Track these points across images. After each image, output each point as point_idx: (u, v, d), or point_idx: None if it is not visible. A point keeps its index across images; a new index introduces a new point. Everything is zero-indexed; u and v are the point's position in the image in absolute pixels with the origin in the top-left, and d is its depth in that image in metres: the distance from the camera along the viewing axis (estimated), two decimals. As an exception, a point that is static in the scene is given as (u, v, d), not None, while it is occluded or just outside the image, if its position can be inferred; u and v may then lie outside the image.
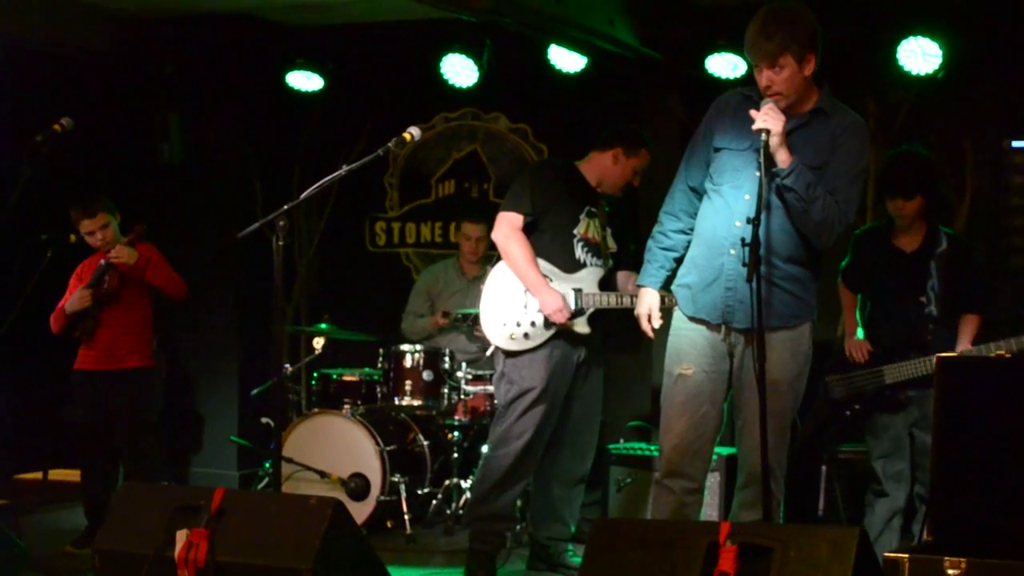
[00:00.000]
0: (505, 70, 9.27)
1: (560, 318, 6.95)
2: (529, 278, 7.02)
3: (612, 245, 7.23)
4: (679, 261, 6.09)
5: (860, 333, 7.43)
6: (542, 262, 7.09)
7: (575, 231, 7.14)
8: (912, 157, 7.32)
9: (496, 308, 7.15)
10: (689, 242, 6.04)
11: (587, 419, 7.28)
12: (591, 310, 7.10)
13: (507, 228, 7.10)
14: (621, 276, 7.28)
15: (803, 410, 6.25)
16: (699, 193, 5.97)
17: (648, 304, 6.16)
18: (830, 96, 5.77)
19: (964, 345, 7.04)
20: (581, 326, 7.09)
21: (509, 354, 7.12)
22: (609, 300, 7.09)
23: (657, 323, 6.16)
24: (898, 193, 7.12)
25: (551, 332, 7.07)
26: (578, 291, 7.09)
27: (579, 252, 7.13)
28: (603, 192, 7.30)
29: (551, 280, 7.05)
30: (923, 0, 8.17)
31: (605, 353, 7.37)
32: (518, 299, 7.09)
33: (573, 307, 7.04)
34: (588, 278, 7.12)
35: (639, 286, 6.22)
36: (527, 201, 7.12)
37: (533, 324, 7.07)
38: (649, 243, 6.21)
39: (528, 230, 7.08)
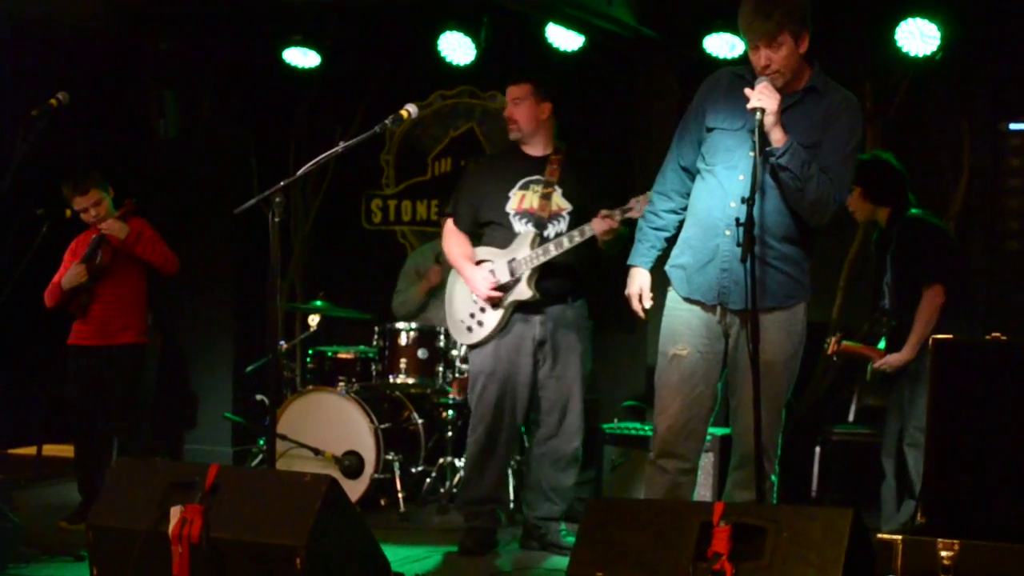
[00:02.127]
0: (503, 48, 9.26)
1: (483, 289, 7.11)
2: (459, 268, 7.27)
3: (560, 204, 7.11)
4: (670, 241, 6.08)
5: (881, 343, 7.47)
6: (485, 249, 7.23)
7: (507, 208, 7.16)
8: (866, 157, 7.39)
9: (452, 310, 7.38)
10: (681, 222, 6.02)
11: (564, 399, 7.23)
12: (526, 272, 7.08)
13: (443, 232, 7.49)
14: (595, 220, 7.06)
15: (798, 390, 6.26)
16: (691, 172, 5.95)
17: (639, 284, 6.14)
18: (822, 74, 5.75)
19: (919, 323, 7.00)
20: (522, 292, 7.12)
21: (471, 347, 7.34)
22: (544, 252, 7.06)
23: (648, 303, 6.15)
24: None
25: (500, 312, 7.16)
26: (511, 260, 7.14)
27: (517, 225, 7.15)
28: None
29: (490, 262, 7.17)
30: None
31: (588, 330, 7.28)
32: (467, 294, 7.25)
33: (505, 277, 7.10)
34: (521, 243, 7.13)
35: (629, 266, 6.21)
36: (451, 204, 7.46)
37: (483, 310, 7.21)
38: (640, 222, 6.20)
39: (478, 230, 7.28)
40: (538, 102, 7.25)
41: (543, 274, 7.12)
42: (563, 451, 7.25)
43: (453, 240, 7.37)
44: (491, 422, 7.23)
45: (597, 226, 6.80)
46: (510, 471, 7.67)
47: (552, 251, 7.04)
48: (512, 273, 7.13)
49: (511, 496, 7.64)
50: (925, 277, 7.04)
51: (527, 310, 7.19)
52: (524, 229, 7.13)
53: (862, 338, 7.66)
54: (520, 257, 7.13)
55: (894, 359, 7.07)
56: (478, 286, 7.15)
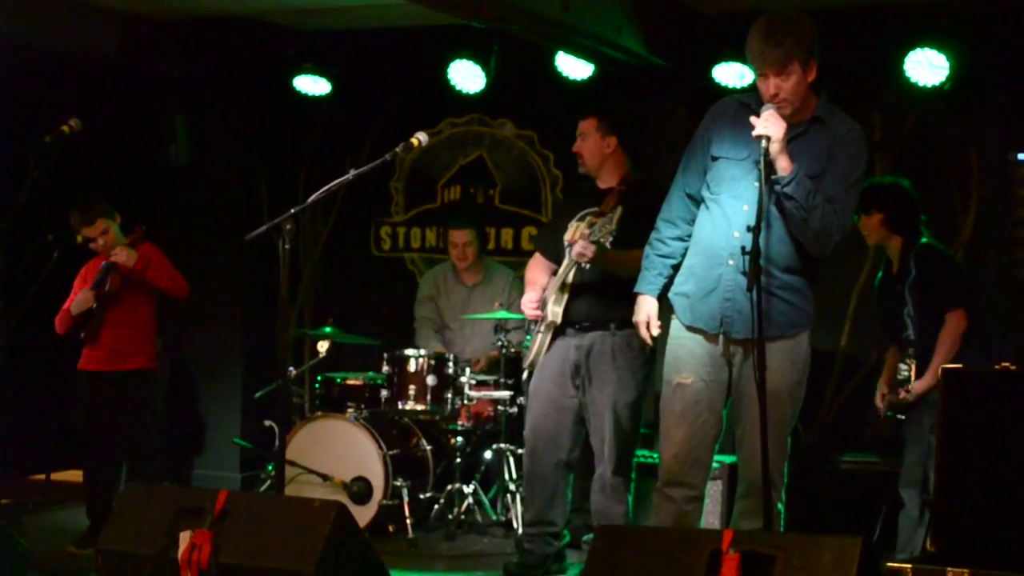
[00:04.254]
0: (512, 77, 9.29)
1: (526, 310, 7.36)
2: None
3: (600, 235, 7.14)
4: (677, 268, 6.09)
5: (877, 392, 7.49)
6: (554, 278, 7.36)
7: (564, 239, 7.20)
8: (877, 182, 7.48)
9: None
10: (687, 249, 6.04)
11: (599, 426, 7.23)
12: (552, 296, 7.21)
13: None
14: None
15: (805, 418, 6.26)
16: (696, 200, 5.96)
17: (646, 311, 6.16)
18: (828, 104, 5.77)
19: (941, 347, 7.02)
20: (547, 315, 7.24)
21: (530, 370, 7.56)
22: (560, 278, 7.20)
23: (656, 331, 6.17)
24: (859, 211, 7.22)
25: (539, 336, 7.31)
26: (546, 288, 7.36)
27: (567, 256, 7.21)
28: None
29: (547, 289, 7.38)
30: (931, 12, 8.17)
31: (632, 359, 7.22)
32: None
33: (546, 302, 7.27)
34: (559, 272, 7.25)
35: (636, 293, 6.23)
36: (538, 241, 7.90)
37: (531, 333, 7.46)
38: (646, 250, 6.22)
39: None
40: (603, 136, 7.32)
41: (576, 298, 7.19)
42: (604, 477, 7.25)
43: (530, 265, 7.65)
44: (531, 442, 7.37)
45: (574, 255, 6.96)
46: (567, 494, 7.53)
47: (565, 277, 7.11)
48: (546, 298, 7.26)
49: (564, 523, 7.58)
50: (948, 302, 7.09)
51: (569, 336, 7.26)
52: (569, 259, 7.19)
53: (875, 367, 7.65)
54: (552, 283, 7.27)
55: (918, 386, 7.08)
56: (522, 306, 7.41)
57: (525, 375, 7.66)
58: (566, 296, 7.21)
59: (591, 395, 7.24)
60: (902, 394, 7.17)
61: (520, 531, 7.81)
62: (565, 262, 7.18)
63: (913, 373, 7.09)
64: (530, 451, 7.40)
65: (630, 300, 6.95)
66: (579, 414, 7.32)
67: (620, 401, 7.18)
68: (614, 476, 7.21)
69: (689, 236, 6.02)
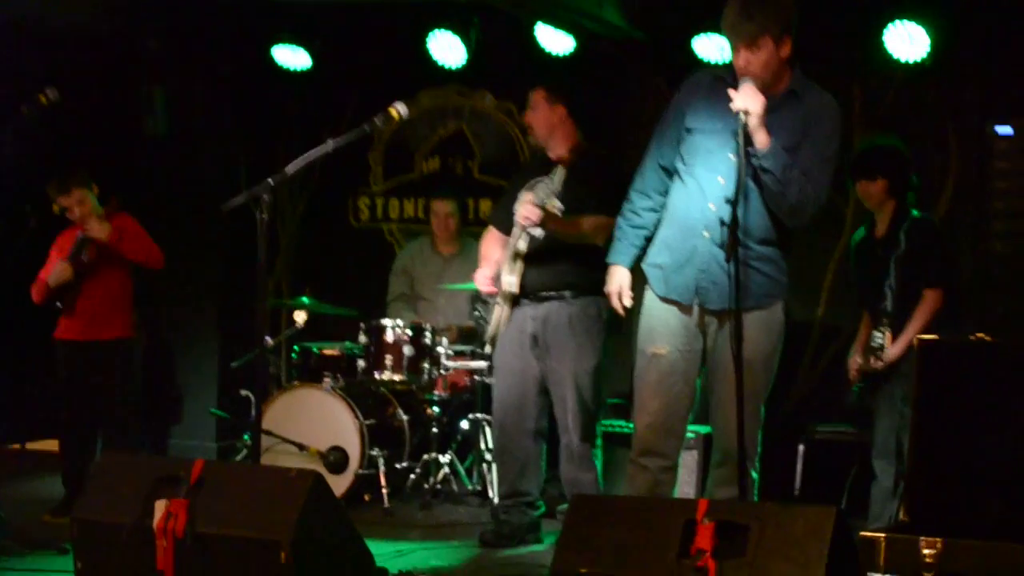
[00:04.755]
0: (492, 49, 9.28)
1: (480, 285, 7.43)
2: None
3: (552, 204, 7.12)
4: (649, 239, 6.10)
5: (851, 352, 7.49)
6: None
7: (515, 209, 7.23)
8: (880, 144, 7.47)
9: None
10: (659, 220, 6.04)
11: (561, 395, 7.27)
12: (506, 266, 7.23)
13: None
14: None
15: (781, 388, 6.28)
16: (670, 172, 5.97)
17: (618, 282, 6.18)
18: (802, 77, 5.78)
19: (915, 321, 7.04)
20: (502, 285, 7.27)
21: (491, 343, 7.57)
22: (513, 247, 7.21)
23: (628, 301, 6.18)
24: (861, 175, 7.27)
25: (496, 308, 7.35)
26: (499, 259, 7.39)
27: (517, 227, 7.25)
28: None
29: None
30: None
31: (590, 327, 7.26)
32: None
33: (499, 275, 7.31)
34: (510, 240, 7.27)
35: (608, 263, 6.24)
36: (491, 215, 7.93)
37: (487, 307, 7.46)
38: (619, 220, 6.22)
39: None
40: (551, 105, 7.34)
41: (529, 267, 7.21)
42: (570, 447, 7.29)
43: (484, 239, 7.68)
44: (499, 415, 7.44)
45: (519, 218, 7.04)
46: (540, 464, 7.55)
47: (517, 246, 7.14)
48: (499, 270, 7.27)
49: (539, 492, 7.61)
50: (930, 280, 7.10)
51: (525, 306, 7.28)
52: (515, 228, 7.20)
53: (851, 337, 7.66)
54: (505, 255, 7.27)
55: (890, 354, 7.09)
56: (476, 280, 7.45)
57: (487, 348, 7.66)
58: (519, 265, 7.22)
59: (551, 365, 7.27)
60: (873, 361, 7.17)
61: (496, 501, 7.83)
62: (514, 230, 7.19)
63: (888, 340, 7.09)
64: (499, 424, 7.46)
65: (585, 267, 7.02)
66: (542, 383, 7.35)
67: (580, 369, 7.22)
68: (581, 443, 7.26)
69: (662, 208, 6.02)
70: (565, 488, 7.37)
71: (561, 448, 7.35)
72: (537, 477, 7.50)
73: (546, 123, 7.36)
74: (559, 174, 7.09)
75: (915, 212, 7.29)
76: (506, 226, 7.41)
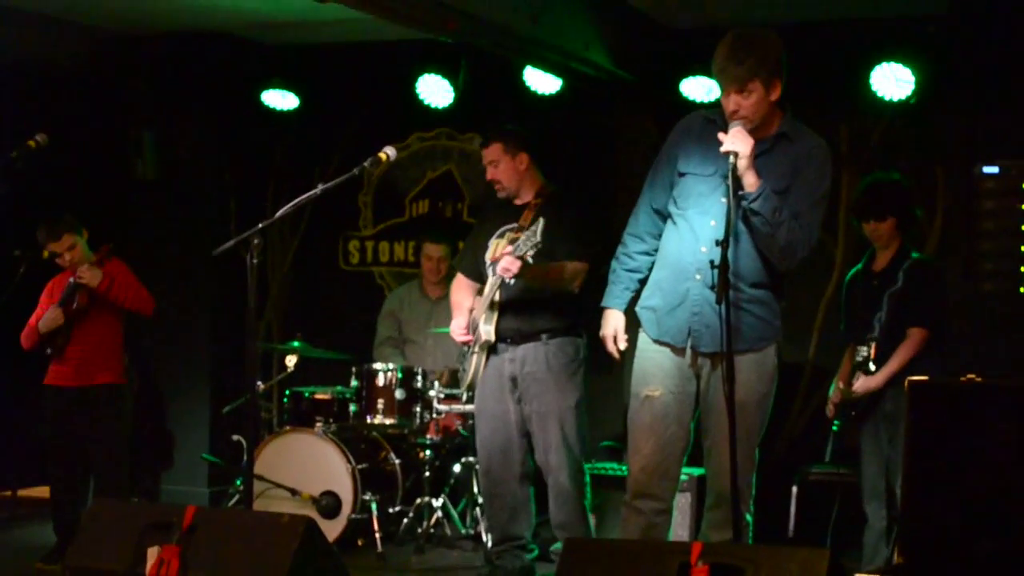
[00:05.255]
0: (481, 91, 9.30)
1: (456, 335, 7.48)
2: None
3: (525, 249, 7.05)
4: (643, 282, 6.12)
5: (832, 386, 7.51)
6: (479, 299, 7.45)
7: (486, 258, 7.28)
8: (884, 181, 7.47)
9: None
10: (653, 263, 6.08)
11: (543, 435, 7.27)
12: (482, 315, 7.27)
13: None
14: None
15: (773, 430, 6.28)
16: (663, 215, 6.00)
17: (613, 326, 6.19)
18: (793, 120, 5.81)
19: (897, 357, 7.05)
20: (479, 335, 7.31)
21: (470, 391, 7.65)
22: (488, 296, 7.25)
23: (623, 344, 6.19)
24: (871, 216, 7.28)
25: (474, 356, 7.42)
26: (473, 309, 7.45)
27: (490, 274, 7.29)
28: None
29: (475, 310, 7.47)
30: (897, 26, 8.23)
31: (568, 366, 7.29)
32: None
33: (475, 323, 7.36)
34: (485, 291, 7.31)
35: (603, 307, 6.25)
36: (458, 262, 7.87)
37: (465, 356, 7.55)
38: (613, 264, 6.25)
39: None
40: (513, 156, 7.37)
41: (504, 315, 7.26)
42: (557, 486, 7.29)
43: (454, 287, 7.72)
44: (485, 461, 7.45)
45: (499, 270, 7.01)
46: (529, 507, 7.57)
47: (492, 296, 7.19)
48: (475, 320, 7.33)
49: (531, 535, 7.60)
50: (916, 318, 7.14)
51: (502, 351, 7.32)
52: (492, 278, 7.22)
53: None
54: (480, 304, 7.31)
55: (864, 383, 7.10)
56: (451, 331, 7.50)
57: (465, 397, 7.69)
58: (496, 314, 7.24)
59: (532, 406, 7.29)
60: (856, 382, 7.13)
61: (488, 546, 7.82)
62: (491, 280, 7.23)
63: (872, 354, 7.07)
64: (484, 470, 7.47)
65: (559, 311, 7.05)
66: (524, 426, 7.35)
67: (562, 406, 7.24)
68: (568, 482, 7.26)
69: (655, 251, 6.06)
70: (555, 530, 7.36)
71: (549, 489, 7.34)
72: (527, 520, 7.50)
73: (513, 174, 7.40)
74: (540, 224, 7.05)
75: (915, 253, 7.31)
76: (473, 273, 7.47)
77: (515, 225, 7.27)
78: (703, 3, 8.39)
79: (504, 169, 7.39)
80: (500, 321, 7.25)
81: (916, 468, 5.00)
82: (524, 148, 7.39)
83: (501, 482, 7.39)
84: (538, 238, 6.89)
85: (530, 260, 6.99)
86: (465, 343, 7.44)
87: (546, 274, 7.06)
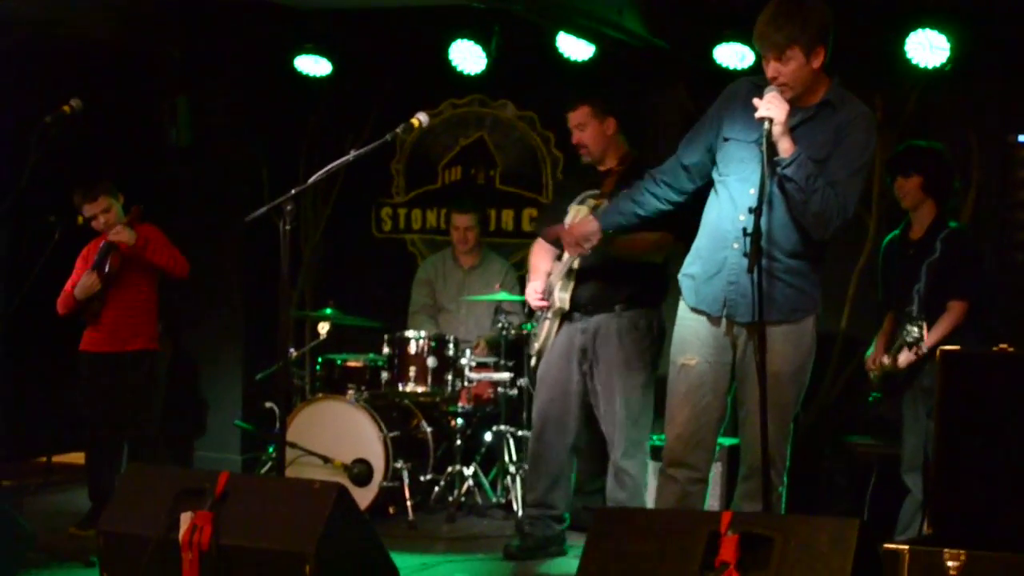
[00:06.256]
0: (513, 57, 9.29)
1: (531, 300, 7.42)
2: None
3: None
4: (641, 218, 6.21)
5: (870, 349, 7.47)
6: (557, 263, 7.37)
7: (566, 223, 7.16)
8: (920, 144, 7.46)
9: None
10: (659, 210, 6.13)
11: (608, 410, 7.24)
12: (557, 283, 7.23)
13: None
14: None
15: (808, 400, 6.26)
16: (689, 173, 5.99)
17: (583, 228, 6.37)
18: (839, 88, 5.74)
19: (937, 330, 7.00)
20: (554, 302, 7.27)
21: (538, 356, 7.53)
22: (564, 264, 7.21)
23: (584, 248, 6.34)
24: (898, 171, 7.28)
25: (546, 323, 7.37)
26: (550, 274, 7.38)
27: None
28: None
29: (552, 275, 7.39)
30: (932, -7, 8.19)
31: (639, 340, 7.24)
32: None
33: (551, 289, 7.31)
34: (564, 257, 7.25)
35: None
36: (538, 226, 7.70)
37: (538, 322, 7.50)
38: (623, 191, 6.31)
39: None
40: (601, 120, 7.31)
41: (581, 283, 7.21)
42: (614, 463, 7.27)
43: (533, 251, 7.64)
44: (539, 425, 7.41)
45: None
46: (571, 478, 7.58)
47: (571, 263, 7.11)
48: (551, 285, 7.27)
49: (567, 507, 7.61)
50: (957, 291, 7.08)
51: (574, 320, 7.29)
52: None
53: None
54: (557, 269, 7.26)
55: (907, 357, 7.06)
56: (527, 295, 7.47)
57: (533, 362, 7.63)
58: (572, 282, 7.21)
59: (599, 379, 7.25)
60: (904, 356, 7.05)
61: (521, 513, 7.84)
62: None
63: (925, 332, 6.93)
64: (537, 435, 7.42)
65: (635, 280, 6.99)
66: (585, 398, 7.33)
67: (629, 384, 7.19)
68: (622, 460, 7.22)
69: (667, 201, 6.10)
70: (609, 504, 7.34)
71: (609, 464, 7.33)
72: (567, 491, 7.50)
73: (600, 139, 7.33)
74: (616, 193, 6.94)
75: (952, 223, 7.26)
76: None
77: (596, 192, 7.22)
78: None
79: (591, 133, 7.32)
80: (576, 289, 7.22)
81: (947, 438, 5.00)
82: (612, 112, 7.33)
83: (551, 448, 7.36)
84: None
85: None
86: (540, 308, 7.40)
87: (628, 244, 6.96)
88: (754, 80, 5.87)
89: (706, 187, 5.98)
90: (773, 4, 5.59)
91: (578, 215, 7.11)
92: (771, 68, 5.59)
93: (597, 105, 7.32)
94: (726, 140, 5.84)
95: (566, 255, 7.18)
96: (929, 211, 7.29)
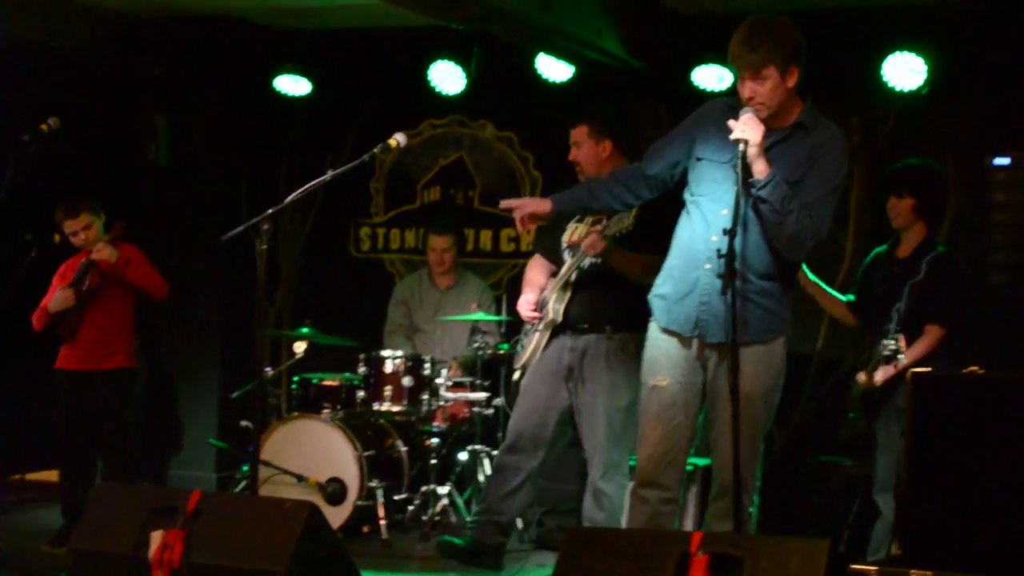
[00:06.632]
0: (493, 78, 9.31)
1: (522, 311, 7.41)
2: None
3: (616, 229, 7.11)
4: (591, 211, 6.45)
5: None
6: (551, 280, 7.40)
7: (562, 240, 7.25)
8: (918, 163, 7.45)
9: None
10: (609, 206, 6.25)
11: (589, 430, 7.22)
12: (552, 296, 7.22)
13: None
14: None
15: (780, 420, 6.26)
16: (648, 182, 6.05)
17: (536, 205, 6.30)
18: (812, 110, 5.78)
19: (912, 352, 6.99)
20: (546, 314, 7.26)
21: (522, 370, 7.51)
22: (561, 278, 7.20)
23: (518, 215, 6.26)
24: (891, 190, 7.26)
25: (535, 335, 7.33)
26: (544, 288, 7.39)
27: (566, 258, 7.25)
28: None
29: (546, 290, 7.40)
30: (908, 16, 8.21)
31: (626, 364, 7.11)
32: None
33: (544, 303, 7.29)
34: (561, 271, 7.25)
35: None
36: (536, 242, 7.87)
37: (526, 334, 7.46)
38: (587, 181, 6.49)
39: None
40: (597, 142, 7.33)
41: (577, 297, 7.21)
42: (593, 483, 7.25)
43: (529, 265, 7.71)
44: (513, 436, 7.39)
45: (584, 245, 6.92)
46: (528, 493, 7.52)
47: (568, 277, 7.15)
48: (545, 298, 7.28)
49: (518, 519, 7.58)
50: (935, 315, 7.07)
51: (564, 337, 7.28)
52: (568, 260, 7.22)
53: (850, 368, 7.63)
54: (552, 285, 7.29)
55: (881, 375, 7.05)
56: (519, 307, 7.46)
57: (517, 375, 7.61)
58: (568, 295, 7.22)
59: (583, 399, 7.23)
60: (882, 371, 7.04)
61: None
62: (568, 261, 7.18)
63: (903, 344, 6.91)
64: (509, 445, 7.40)
65: (627, 303, 6.97)
66: (564, 417, 7.32)
67: (613, 405, 7.16)
68: (601, 481, 7.20)
69: (619, 202, 6.19)
70: (585, 524, 7.33)
71: (587, 484, 7.31)
72: (520, 505, 7.49)
73: (594, 159, 7.33)
74: (634, 210, 6.95)
75: (940, 248, 7.26)
76: (551, 254, 7.46)
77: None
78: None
79: (586, 152, 7.34)
80: (570, 304, 7.21)
81: (916, 459, 5.00)
82: (609, 135, 7.33)
83: (518, 460, 7.33)
84: (629, 222, 6.76)
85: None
86: (531, 320, 7.39)
87: (629, 261, 6.96)
88: (728, 101, 5.90)
89: (677, 207, 6.00)
90: (745, 25, 5.63)
91: (575, 232, 7.17)
92: (747, 88, 5.62)
93: (595, 126, 7.34)
94: (699, 160, 5.86)
95: (563, 269, 7.19)
96: (919, 232, 7.28)
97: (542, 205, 6.27)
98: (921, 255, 7.19)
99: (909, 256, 7.26)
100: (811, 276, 7.39)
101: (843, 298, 7.51)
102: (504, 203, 6.38)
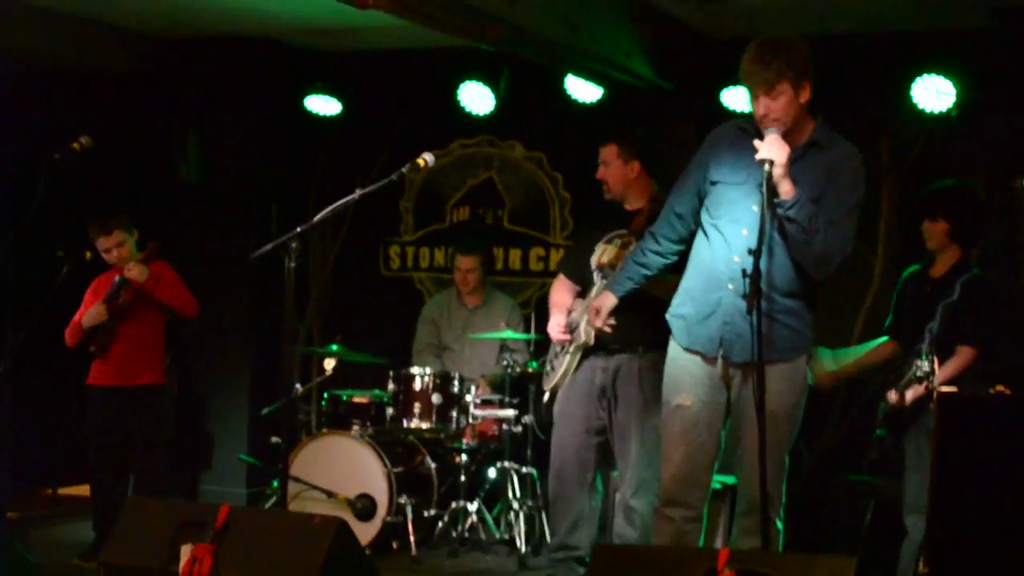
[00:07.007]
0: (522, 99, 9.35)
1: (552, 333, 7.36)
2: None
3: None
4: (647, 278, 6.28)
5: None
6: (579, 301, 7.38)
7: (592, 261, 7.26)
8: (953, 184, 7.46)
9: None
10: (665, 265, 6.21)
11: (623, 449, 7.26)
12: (584, 316, 7.14)
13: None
14: None
15: (809, 439, 6.27)
16: (684, 220, 6.05)
17: (601, 301, 6.37)
18: (825, 127, 5.80)
19: (943, 372, 6.97)
20: (578, 337, 7.22)
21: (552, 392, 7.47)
22: (592, 294, 7.16)
23: (600, 323, 6.35)
24: (924, 213, 7.24)
25: (567, 357, 7.29)
26: (573, 311, 7.36)
27: (596, 279, 7.24)
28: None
29: (576, 312, 7.35)
30: (937, 39, 8.22)
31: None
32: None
33: (574, 324, 7.25)
34: (592, 293, 7.23)
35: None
36: (561, 263, 7.94)
37: (557, 356, 7.40)
38: (626, 256, 6.39)
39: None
40: (625, 162, 7.37)
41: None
42: (623, 501, 7.27)
43: (554, 287, 7.67)
44: (558, 463, 7.41)
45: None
46: (591, 518, 7.55)
47: (593, 294, 7.13)
48: (576, 320, 7.26)
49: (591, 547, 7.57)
50: (966, 336, 7.06)
51: (595, 358, 7.28)
52: (599, 282, 7.20)
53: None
54: (582, 306, 7.25)
55: (912, 394, 7.03)
56: (549, 329, 7.40)
57: (547, 397, 7.62)
58: None
59: (616, 418, 7.26)
60: (913, 391, 7.01)
61: (523, 551, 7.83)
62: (598, 283, 7.17)
63: (936, 366, 6.87)
64: (556, 472, 7.43)
65: (657, 322, 6.94)
66: (601, 435, 7.35)
67: (646, 425, 7.17)
68: (633, 499, 7.21)
69: (671, 253, 6.17)
70: (615, 540, 7.34)
71: (617, 502, 7.34)
72: (589, 531, 7.49)
73: (621, 180, 7.37)
74: None
75: (976, 270, 7.25)
76: (576, 276, 7.45)
77: (624, 231, 7.25)
78: (752, 16, 8.39)
79: (614, 172, 7.38)
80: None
81: (944, 479, 5.02)
82: (637, 156, 7.37)
83: (570, 486, 7.36)
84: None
85: None
86: (561, 342, 7.37)
87: (659, 284, 6.97)
88: (739, 124, 5.95)
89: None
90: (756, 43, 5.68)
91: (605, 253, 7.19)
92: (761, 105, 5.65)
93: (625, 146, 7.38)
94: (714, 184, 5.89)
95: (593, 291, 7.19)
96: (953, 254, 7.24)
97: (607, 300, 6.33)
98: (955, 276, 7.18)
99: (943, 276, 7.24)
100: (829, 361, 7.41)
101: (877, 341, 7.49)
102: (595, 325, 6.43)
